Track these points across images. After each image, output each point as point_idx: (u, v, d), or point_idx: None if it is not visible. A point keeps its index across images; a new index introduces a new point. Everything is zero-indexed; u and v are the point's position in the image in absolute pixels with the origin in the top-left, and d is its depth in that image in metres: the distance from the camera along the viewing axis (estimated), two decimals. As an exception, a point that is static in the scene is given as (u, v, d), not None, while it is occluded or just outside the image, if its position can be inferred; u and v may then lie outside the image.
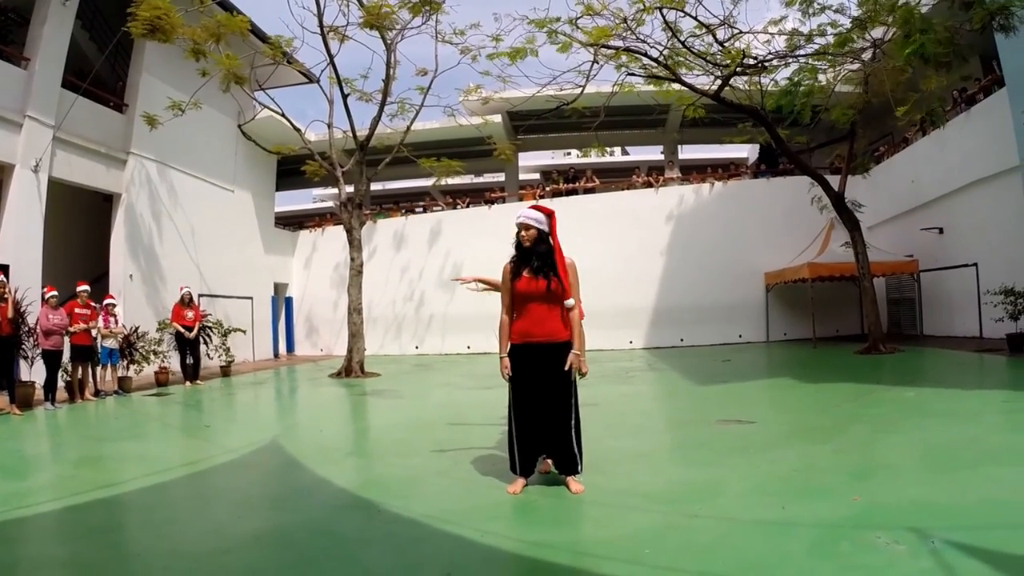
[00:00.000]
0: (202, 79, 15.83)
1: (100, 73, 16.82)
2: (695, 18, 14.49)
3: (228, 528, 4.68)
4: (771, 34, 15.31)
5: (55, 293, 12.09)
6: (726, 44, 14.83)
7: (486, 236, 19.14)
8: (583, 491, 5.06)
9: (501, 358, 5.31)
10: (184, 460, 7.18)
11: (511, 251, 5.37)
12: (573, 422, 5.20)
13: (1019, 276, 14.46)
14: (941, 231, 18.88)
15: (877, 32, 14.63)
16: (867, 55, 15.32)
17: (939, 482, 5.03)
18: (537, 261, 5.14)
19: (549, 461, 5.44)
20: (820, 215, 19.34)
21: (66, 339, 12.38)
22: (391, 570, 3.77)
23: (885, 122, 19.25)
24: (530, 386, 5.16)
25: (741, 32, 14.90)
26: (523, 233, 5.19)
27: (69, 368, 12.74)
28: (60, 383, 12.36)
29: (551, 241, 5.26)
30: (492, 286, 6.71)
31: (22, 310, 12.04)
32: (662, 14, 14.36)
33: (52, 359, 11.93)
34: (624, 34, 14.82)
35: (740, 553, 3.77)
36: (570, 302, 5.19)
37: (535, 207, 5.36)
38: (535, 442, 5.20)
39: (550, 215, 5.34)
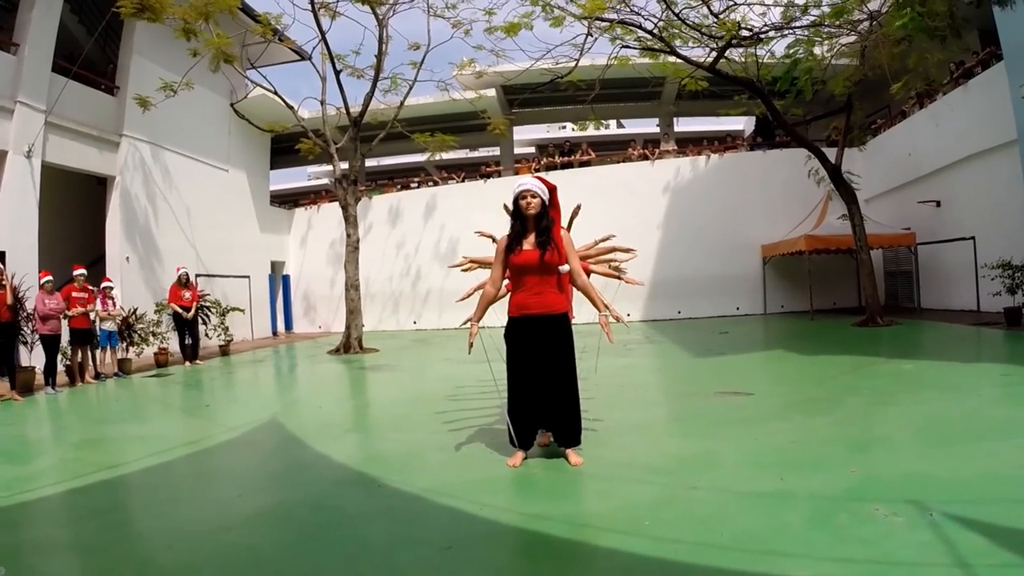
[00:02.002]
0: (193, 59, 15.71)
1: (90, 56, 16.70)
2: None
3: (229, 506, 4.72)
4: (767, 5, 15.23)
5: (50, 278, 12.11)
6: (721, 16, 14.74)
7: (482, 210, 19.15)
8: (582, 463, 5.09)
9: (472, 323, 5.34)
10: (185, 440, 7.21)
11: (506, 222, 5.35)
12: (573, 394, 5.23)
13: (1017, 250, 14.45)
14: (938, 204, 18.84)
15: (874, 3, 14.54)
16: (863, 27, 15.24)
17: (937, 455, 5.04)
18: (538, 235, 5.13)
19: (548, 434, 5.46)
20: (817, 187, 19.32)
21: (64, 323, 12.39)
22: (391, 545, 3.79)
23: (882, 95, 19.17)
24: (528, 359, 5.16)
25: (736, 3, 14.80)
26: (528, 200, 5.14)
27: (69, 352, 12.75)
28: (60, 367, 12.38)
29: (551, 215, 5.26)
30: (485, 265, 6.73)
31: (20, 296, 12.03)
32: (656, -15, 14.28)
33: (50, 343, 11.93)
34: (618, 6, 14.72)
35: (738, 525, 3.79)
36: (564, 267, 5.18)
37: (538, 178, 5.34)
38: (534, 415, 5.22)
39: (552, 189, 5.33)
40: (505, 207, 6.64)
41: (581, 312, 6.32)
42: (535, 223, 5.16)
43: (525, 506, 4.37)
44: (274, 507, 4.64)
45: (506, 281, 5.44)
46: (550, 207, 5.26)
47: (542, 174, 22.85)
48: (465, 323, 5.43)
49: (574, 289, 5.74)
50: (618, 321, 5.74)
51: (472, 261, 7.06)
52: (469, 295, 6.88)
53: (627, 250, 7.07)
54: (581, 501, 4.53)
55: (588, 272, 6.18)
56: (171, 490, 5.26)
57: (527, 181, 5.23)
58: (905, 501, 3.92)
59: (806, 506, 4.04)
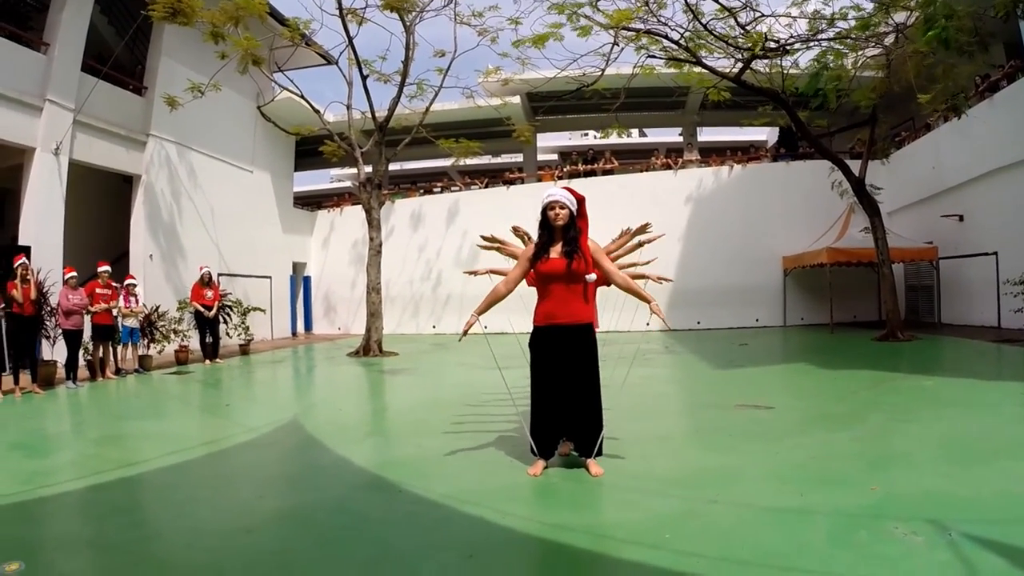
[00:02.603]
0: (221, 61, 15.84)
1: (119, 56, 16.88)
2: (717, 0, 14.39)
3: (250, 507, 4.75)
4: (793, 17, 15.19)
5: (74, 274, 12.21)
6: (748, 27, 14.72)
7: (504, 217, 19.15)
8: (602, 474, 5.09)
9: (472, 314, 5.30)
10: (205, 439, 7.27)
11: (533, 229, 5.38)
12: (596, 405, 5.25)
13: (1040, 266, 14.33)
14: (961, 218, 18.72)
15: (900, 16, 14.49)
16: (889, 39, 15.18)
17: (957, 474, 5.01)
18: (565, 245, 5.15)
19: (569, 444, 5.46)
20: (840, 200, 19.21)
21: (87, 319, 12.51)
22: (414, 550, 3.82)
23: (907, 107, 19.07)
24: (553, 368, 5.17)
25: (763, 15, 14.77)
26: (556, 211, 5.17)
27: (90, 347, 12.88)
28: (81, 362, 12.50)
29: (579, 225, 5.27)
30: (507, 251, 6.73)
31: (44, 291, 12.16)
32: (684, -4, 14.27)
33: (73, 339, 12.06)
34: (645, 16, 14.73)
35: (759, 540, 3.79)
36: (591, 277, 5.20)
37: (567, 188, 5.35)
38: (556, 425, 5.23)
39: (581, 200, 5.34)
40: (513, 228, 6.68)
41: (605, 320, 6.33)
42: (562, 233, 5.19)
43: (546, 515, 4.36)
44: (295, 510, 4.65)
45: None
46: (578, 217, 5.27)
47: (564, 182, 22.95)
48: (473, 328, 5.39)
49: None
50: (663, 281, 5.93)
51: (496, 241, 7.02)
52: (480, 272, 6.86)
53: (642, 229, 7.02)
54: (602, 512, 4.54)
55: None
56: (191, 489, 5.30)
57: (556, 192, 5.24)
58: (925, 520, 3.90)
59: (826, 523, 4.03)
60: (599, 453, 5.25)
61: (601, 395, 5.34)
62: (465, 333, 5.28)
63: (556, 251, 5.16)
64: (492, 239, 7.02)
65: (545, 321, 5.22)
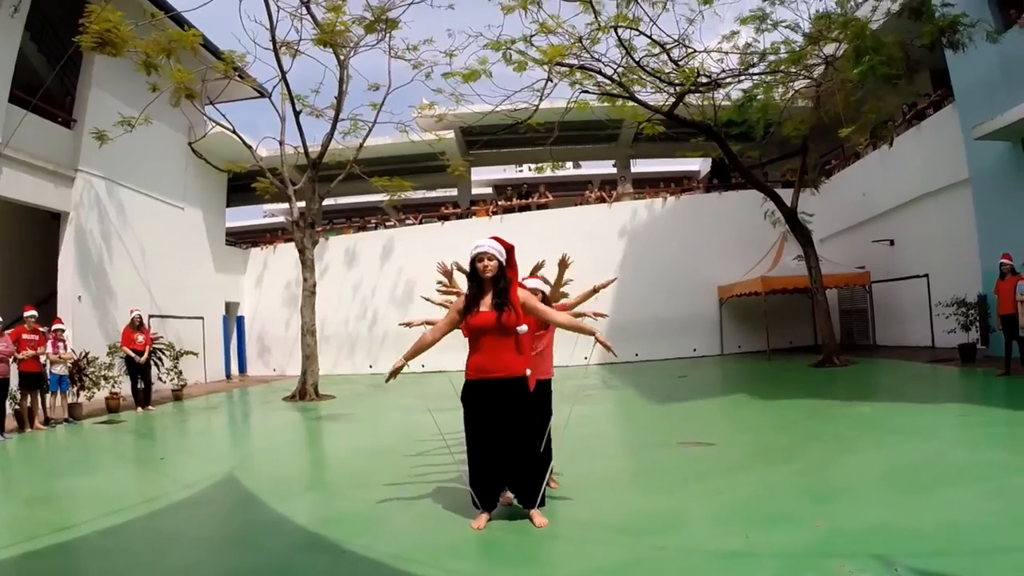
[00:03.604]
0: (152, 94, 15.52)
1: (48, 87, 16.44)
2: (649, 37, 14.62)
3: (191, 572, 4.58)
4: (725, 52, 15.51)
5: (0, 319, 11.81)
6: (680, 63, 14.97)
7: (439, 253, 19.05)
8: (547, 524, 5.01)
9: (401, 358, 5.35)
10: (141, 497, 6.98)
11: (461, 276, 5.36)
12: (534, 456, 5.21)
13: (969, 287, 14.85)
14: (892, 243, 19.28)
15: (829, 48, 14.89)
16: (819, 71, 15.57)
17: (900, 504, 5.08)
18: (495, 297, 5.12)
19: (510, 494, 5.39)
20: (773, 229, 19.56)
21: (13, 366, 12.08)
22: (359, 616, 3.70)
23: (836, 135, 19.60)
24: (487, 423, 5.12)
25: (695, 51, 15.05)
26: (484, 263, 5.12)
27: (18, 396, 12.41)
28: (8, 411, 12.03)
29: (508, 275, 5.24)
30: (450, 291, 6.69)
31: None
32: (617, 33, 14.45)
33: (-2, 388, 11.63)
34: (579, 52, 14.88)
35: (707, 588, 3.76)
36: (522, 328, 5.15)
37: (495, 238, 5.32)
38: (495, 477, 5.17)
39: (510, 249, 5.31)
40: (460, 267, 6.65)
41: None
42: (492, 284, 5.16)
43: (492, 572, 4.31)
44: (237, 574, 4.51)
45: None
46: (508, 267, 5.24)
47: (499, 217, 22.92)
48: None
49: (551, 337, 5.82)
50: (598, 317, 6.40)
51: (445, 282, 6.96)
52: (415, 323, 6.85)
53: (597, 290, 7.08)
54: (548, 565, 4.48)
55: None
56: (130, 555, 5.07)
57: (484, 243, 5.21)
58: (870, 555, 3.93)
59: (773, 565, 4.04)
60: (542, 503, 5.19)
61: (545, 442, 5.30)
62: (392, 376, 5.32)
63: (486, 304, 5.13)
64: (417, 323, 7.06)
65: (476, 375, 5.17)
